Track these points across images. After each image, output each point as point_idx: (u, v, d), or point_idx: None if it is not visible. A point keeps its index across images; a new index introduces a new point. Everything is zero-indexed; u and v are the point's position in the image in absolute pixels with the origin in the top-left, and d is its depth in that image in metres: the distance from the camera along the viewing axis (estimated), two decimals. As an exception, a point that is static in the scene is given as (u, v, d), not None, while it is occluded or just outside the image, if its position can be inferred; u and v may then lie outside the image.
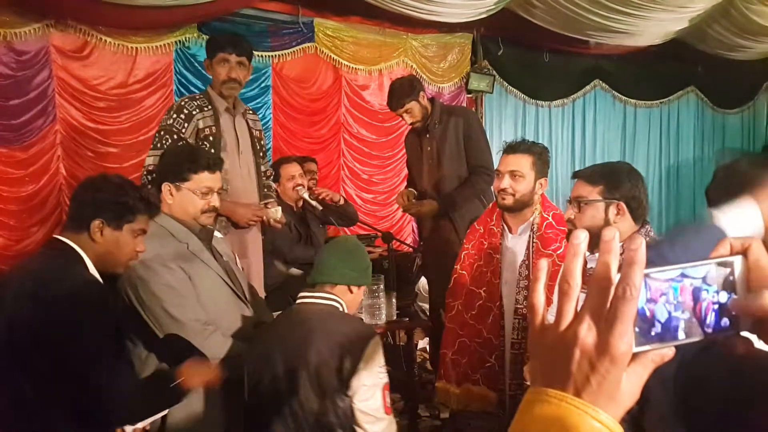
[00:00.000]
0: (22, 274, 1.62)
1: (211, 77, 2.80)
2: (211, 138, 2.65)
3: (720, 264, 0.51)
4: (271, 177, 3.15)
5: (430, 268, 3.62)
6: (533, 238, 2.29)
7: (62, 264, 1.58)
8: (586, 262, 0.55)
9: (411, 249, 4.29)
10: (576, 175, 1.92)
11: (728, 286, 0.51)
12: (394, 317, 3.11)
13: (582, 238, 0.49)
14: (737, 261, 0.52)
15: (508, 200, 2.29)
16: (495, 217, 2.41)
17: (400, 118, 3.45)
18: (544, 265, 0.53)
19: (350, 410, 1.68)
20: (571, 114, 6.05)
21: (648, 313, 0.48)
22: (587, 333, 0.47)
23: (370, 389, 1.67)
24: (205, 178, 2.01)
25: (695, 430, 0.97)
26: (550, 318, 0.51)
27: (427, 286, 3.89)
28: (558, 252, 2.21)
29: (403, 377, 3.35)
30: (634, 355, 0.47)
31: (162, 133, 2.59)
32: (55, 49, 3.86)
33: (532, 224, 2.32)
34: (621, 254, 0.47)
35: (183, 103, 2.66)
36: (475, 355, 2.36)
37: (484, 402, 2.35)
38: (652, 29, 5.13)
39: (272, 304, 2.65)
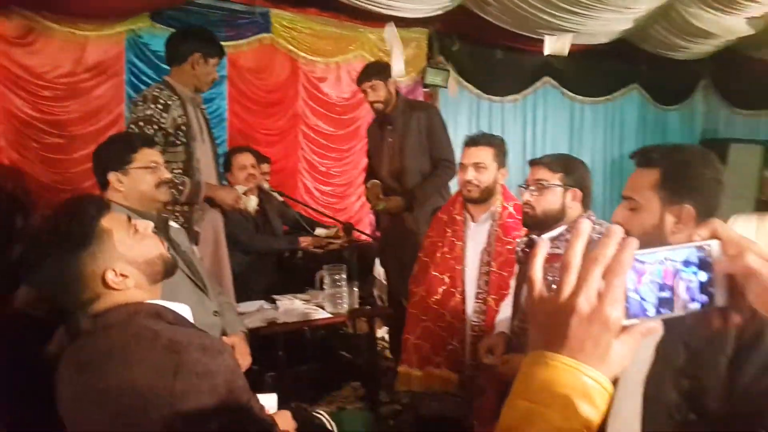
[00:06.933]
0: None
1: (167, 66, 2.77)
2: (183, 128, 2.62)
3: (698, 248, 0.59)
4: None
5: (389, 259, 3.68)
6: (494, 226, 2.38)
7: None
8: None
9: (370, 239, 4.34)
10: (534, 162, 2.05)
11: (706, 267, 0.58)
12: (356, 306, 3.16)
13: (587, 226, 0.57)
14: (714, 245, 0.59)
15: (474, 192, 2.38)
16: (458, 206, 2.48)
17: (363, 95, 3.55)
18: (542, 244, 0.59)
19: None
20: (523, 110, 6.22)
21: (636, 291, 0.55)
22: (585, 303, 0.53)
23: None
24: (148, 153, 2.01)
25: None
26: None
27: (384, 274, 3.95)
28: (518, 239, 2.29)
29: (365, 365, 3.40)
30: (625, 328, 0.54)
31: (141, 124, 2.52)
32: (-3, 35, 3.71)
33: (494, 213, 2.41)
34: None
35: (156, 93, 2.60)
36: (438, 338, 2.43)
37: (446, 383, 2.43)
38: (598, 28, 5.33)
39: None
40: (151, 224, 1.35)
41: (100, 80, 4.10)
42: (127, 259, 1.23)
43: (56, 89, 3.95)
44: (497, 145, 2.42)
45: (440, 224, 2.53)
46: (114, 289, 1.21)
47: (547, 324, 0.56)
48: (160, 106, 2.55)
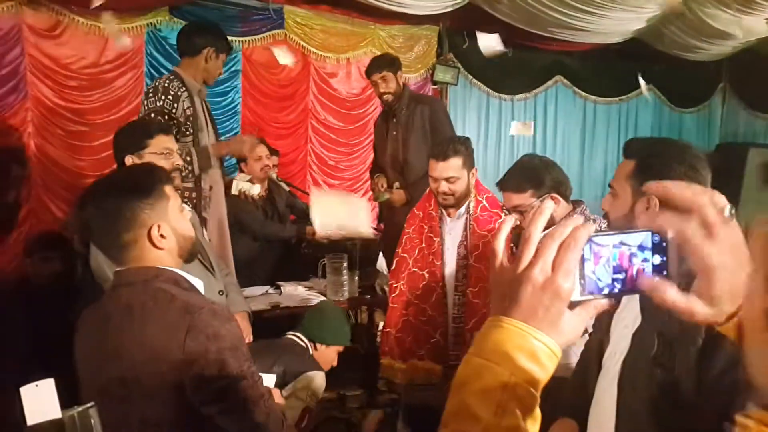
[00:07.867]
0: None
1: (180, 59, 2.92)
2: (191, 119, 2.75)
3: (653, 233, 0.61)
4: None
5: (389, 250, 3.77)
6: (469, 220, 2.44)
7: None
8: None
9: (375, 231, 4.44)
10: (502, 187, 2.07)
11: (660, 250, 0.61)
12: (357, 295, 3.28)
13: (551, 205, 0.65)
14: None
15: (450, 200, 2.42)
16: (433, 203, 2.53)
17: (372, 89, 3.60)
18: (508, 220, 0.67)
19: None
20: (533, 108, 6.21)
21: (592, 270, 0.60)
22: (539, 273, 0.59)
23: None
24: (163, 140, 2.10)
25: None
26: None
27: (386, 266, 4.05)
28: (492, 232, 2.36)
29: (364, 354, 3.51)
30: (580, 303, 0.60)
31: (153, 115, 2.63)
32: (27, 27, 3.91)
33: (468, 208, 2.46)
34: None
35: (166, 84, 2.71)
36: (421, 332, 2.49)
37: (430, 375, 2.49)
38: (611, 28, 5.30)
39: (239, 279, 2.78)
40: (190, 215, 1.56)
41: (121, 71, 4.28)
42: (172, 226, 1.42)
43: (81, 79, 4.14)
44: (464, 151, 2.39)
45: (416, 220, 2.58)
46: (152, 243, 1.38)
47: (504, 291, 0.60)
48: (170, 97, 2.68)
